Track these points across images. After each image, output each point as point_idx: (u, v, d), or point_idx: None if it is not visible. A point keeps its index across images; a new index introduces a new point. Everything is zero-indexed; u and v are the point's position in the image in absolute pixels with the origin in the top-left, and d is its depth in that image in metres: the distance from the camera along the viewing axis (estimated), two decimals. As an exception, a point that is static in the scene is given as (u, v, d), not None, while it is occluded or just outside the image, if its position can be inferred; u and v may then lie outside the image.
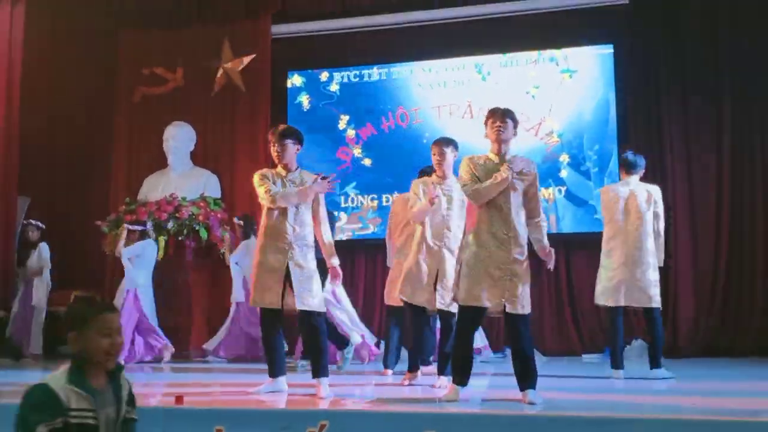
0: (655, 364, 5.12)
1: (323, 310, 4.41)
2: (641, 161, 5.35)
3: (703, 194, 7.03)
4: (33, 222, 7.44)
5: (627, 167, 5.34)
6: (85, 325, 2.20)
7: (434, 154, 4.92)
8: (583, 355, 6.76)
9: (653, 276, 5.19)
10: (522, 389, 3.89)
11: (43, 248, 7.20)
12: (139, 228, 7.03)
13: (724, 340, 6.76)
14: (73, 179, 8.47)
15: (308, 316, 4.27)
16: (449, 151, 4.92)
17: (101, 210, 7.65)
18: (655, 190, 5.31)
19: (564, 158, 7.39)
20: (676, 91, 7.19)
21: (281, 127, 4.62)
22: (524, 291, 3.97)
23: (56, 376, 2.17)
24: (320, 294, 4.39)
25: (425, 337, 5.00)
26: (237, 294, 6.78)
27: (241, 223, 7.01)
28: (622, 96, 7.32)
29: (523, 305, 3.95)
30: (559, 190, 7.38)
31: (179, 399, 3.77)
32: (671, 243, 7.01)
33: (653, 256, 5.22)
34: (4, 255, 7.32)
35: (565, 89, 7.48)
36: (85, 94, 8.41)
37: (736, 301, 6.84)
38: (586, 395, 4.49)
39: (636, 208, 5.21)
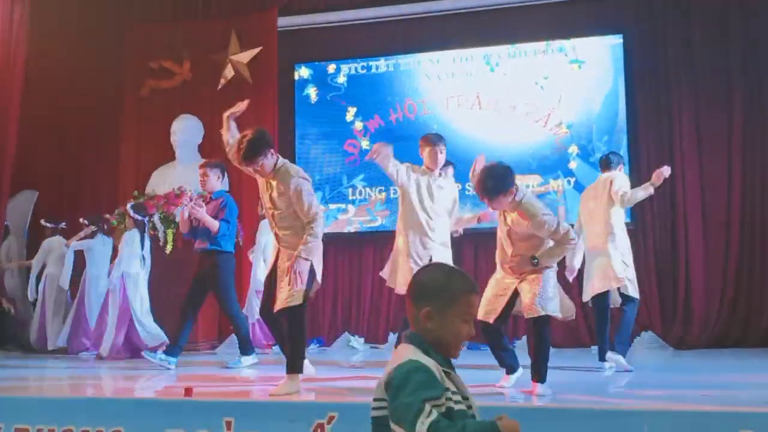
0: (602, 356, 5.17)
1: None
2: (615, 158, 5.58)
3: (714, 186, 6.97)
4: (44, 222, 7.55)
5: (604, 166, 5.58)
6: (453, 303, 1.80)
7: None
8: (592, 347, 6.73)
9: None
10: (533, 380, 3.98)
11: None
12: (92, 228, 7.29)
13: (735, 332, 6.72)
14: (82, 173, 8.49)
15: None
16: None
17: (110, 203, 7.66)
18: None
19: (573, 149, 7.35)
20: (686, 80, 7.13)
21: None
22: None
23: (410, 353, 1.78)
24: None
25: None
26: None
27: (86, 223, 7.21)
28: (631, 86, 7.27)
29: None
30: (568, 182, 7.34)
31: (188, 391, 3.78)
32: (684, 234, 6.98)
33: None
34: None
35: (574, 80, 7.43)
36: (94, 88, 8.41)
37: (747, 293, 6.80)
38: (595, 386, 4.47)
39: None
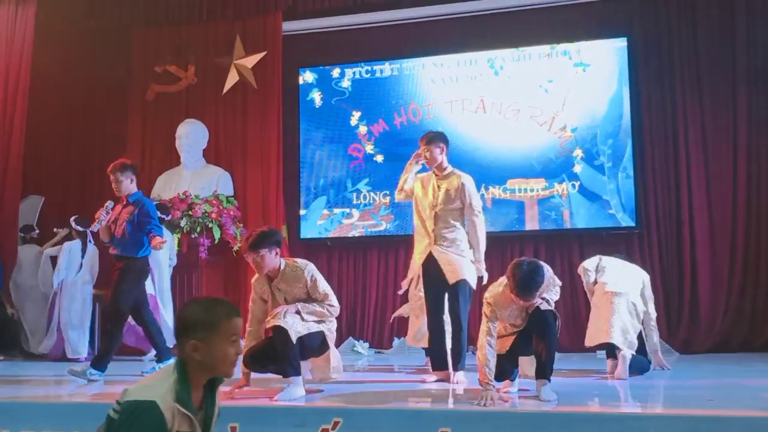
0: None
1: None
2: None
3: (720, 189, 6.95)
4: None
5: None
6: (215, 331, 1.95)
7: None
8: (597, 352, 6.70)
9: None
10: (537, 377, 3.97)
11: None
12: (64, 231, 7.39)
13: (741, 336, 6.70)
14: (87, 178, 8.51)
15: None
16: (434, 147, 4.96)
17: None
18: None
19: (578, 153, 7.34)
20: (691, 83, 7.11)
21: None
22: None
23: (163, 391, 1.91)
24: None
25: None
26: None
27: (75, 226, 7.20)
28: (636, 89, 7.25)
29: None
30: (573, 185, 7.32)
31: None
32: (689, 237, 6.96)
33: None
34: (8, 254, 7.33)
35: (578, 83, 7.42)
36: (99, 92, 8.45)
37: (753, 296, 6.77)
38: (600, 391, 4.46)
39: None
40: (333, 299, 4.40)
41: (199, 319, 1.96)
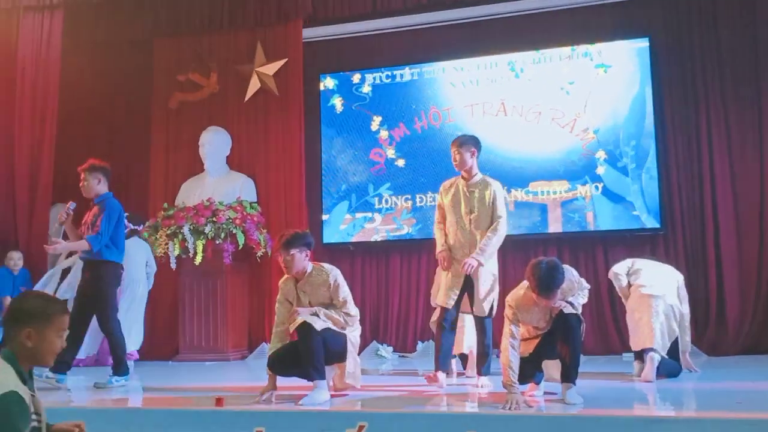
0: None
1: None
2: None
3: (746, 190, 6.86)
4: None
5: None
6: (47, 322, 2.13)
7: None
8: (623, 354, 6.65)
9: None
10: (562, 381, 3.96)
11: None
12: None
13: (770, 339, 6.60)
14: (112, 186, 8.60)
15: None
16: (464, 151, 4.89)
17: (141, 215, 7.75)
18: None
19: (600, 155, 7.30)
20: (715, 82, 7.04)
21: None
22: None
23: (12, 380, 2.05)
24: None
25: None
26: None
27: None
28: (659, 90, 7.19)
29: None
30: (596, 187, 7.28)
31: (220, 401, 3.81)
32: (714, 238, 6.88)
33: None
34: (40, 260, 7.44)
35: (600, 84, 7.38)
36: (124, 102, 8.58)
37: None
38: (627, 394, 4.42)
39: None
40: (351, 307, 4.42)
41: (37, 310, 2.14)
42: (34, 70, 7.66)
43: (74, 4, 7.71)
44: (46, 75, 7.64)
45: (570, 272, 4.13)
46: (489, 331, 4.80)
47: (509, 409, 3.65)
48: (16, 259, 7.31)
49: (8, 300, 6.81)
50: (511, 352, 3.90)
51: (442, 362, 4.79)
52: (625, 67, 7.33)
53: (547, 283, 3.84)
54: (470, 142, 4.93)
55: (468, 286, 4.78)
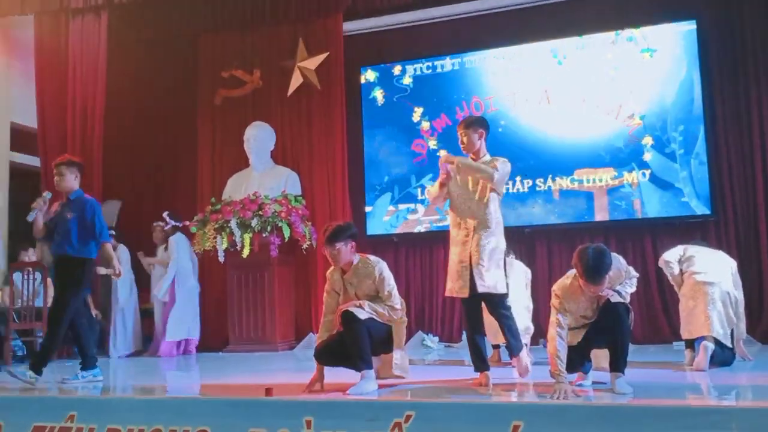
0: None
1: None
2: None
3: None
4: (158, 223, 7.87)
5: None
6: None
7: (459, 137, 4.67)
8: (674, 343, 6.54)
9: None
10: (611, 371, 3.90)
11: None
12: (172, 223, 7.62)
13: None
14: (161, 182, 8.83)
15: None
16: (472, 132, 4.58)
17: (189, 210, 7.94)
18: None
19: (647, 141, 7.16)
20: (765, 64, 6.84)
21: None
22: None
23: None
24: None
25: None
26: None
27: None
28: (707, 73, 7.02)
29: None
30: (643, 174, 7.15)
31: (269, 391, 3.88)
32: (766, 223, 6.70)
33: None
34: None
35: (645, 69, 7.24)
36: (169, 99, 8.75)
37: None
38: (678, 383, 4.36)
39: None
40: (396, 300, 4.43)
41: None
42: (83, 70, 7.86)
43: (120, 5, 7.88)
44: (94, 74, 7.83)
45: (618, 260, 4.07)
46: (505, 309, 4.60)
47: (557, 398, 3.63)
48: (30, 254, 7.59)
49: None
50: (558, 341, 3.87)
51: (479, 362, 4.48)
52: (671, 50, 7.17)
53: (595, 269, 3.79)
54: (477, 123, 4.65)
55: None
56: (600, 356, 4.15)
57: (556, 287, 4.06)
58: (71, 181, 5.17)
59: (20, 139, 8.21)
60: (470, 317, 4.57)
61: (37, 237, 5.25)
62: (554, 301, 4.01)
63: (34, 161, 8.21)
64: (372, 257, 4.52)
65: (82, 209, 5.10)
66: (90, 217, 5.09)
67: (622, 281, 4.14)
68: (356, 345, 4.19)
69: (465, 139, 4.62)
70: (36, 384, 4.83)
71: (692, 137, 7.01)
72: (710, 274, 5.00)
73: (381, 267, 4.43)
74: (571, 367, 3.99)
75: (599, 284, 3.85)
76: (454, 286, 4.54)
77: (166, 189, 8.76)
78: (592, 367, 4.23)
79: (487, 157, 4.63)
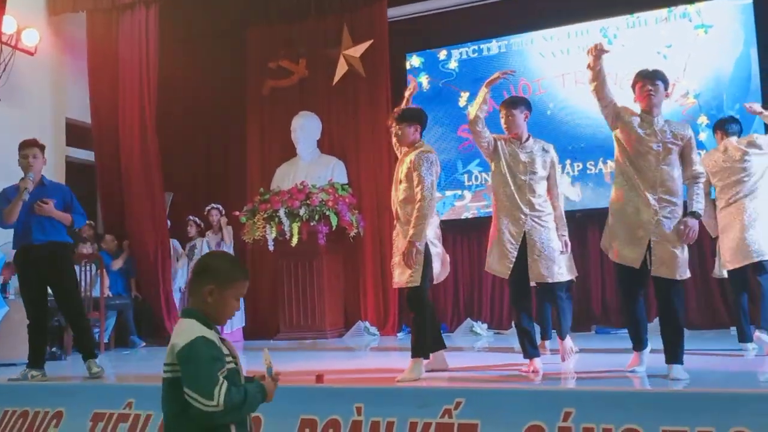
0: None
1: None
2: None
3: None
4: (191, 218, 8.04)
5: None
6: (228, 286, 2.18)
7: (501, 117, 4.60)
8: (731, 328, 6.35)
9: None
10: (667, 362, 3.79)
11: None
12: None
13: None
14: (212, 173, 8.97)
15: None
16: (518, 112, 4.53)
17: (239, 201, 8.05)
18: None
19: (702, 120, 6.94)
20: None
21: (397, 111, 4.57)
22: (675, 254, 3.83)
23: (197, 329, 2.10)
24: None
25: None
26: None
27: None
28: (764, 49, 6.75)
29: (672, 269, 3.82)
30: (698, 154, 6.91)
31: (320, 378, 3.92)
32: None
33: None
34: (162, 247, 7.80)
35: (700, 46, 7.00)
36: (218, 90, 8.86)
37: None
38: (733, 369, 4.23)
39: None
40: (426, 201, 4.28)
41: (223, 269, 2.20)
42: (134, 66, 8.01)
43: (168, 0, 7.99)
44: (146, 70, 7.97)
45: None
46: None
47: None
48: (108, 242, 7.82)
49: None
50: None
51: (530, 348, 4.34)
52: (727, 26, 6.91)
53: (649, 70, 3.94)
54: (522, 103, 4.62)
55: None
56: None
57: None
58: (42, 165, 4.96)
59: (75, 134, 8.45)
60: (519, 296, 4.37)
61: (6, 222, 4.79)
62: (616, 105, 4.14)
63: (89, 156, 8.45)
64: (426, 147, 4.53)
65: (60, 192, 4.97)
66: (70, 199, 4.97)
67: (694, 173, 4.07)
68: (418, 332, 4.20)
69: (511, 119, 4.55)
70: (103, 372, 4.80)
71: (749, 115, 6.73)
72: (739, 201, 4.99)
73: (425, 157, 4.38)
74: (639, 343, 3.98)
75: (655, 85, 3.97)
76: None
77: (218, 179, 8.89)
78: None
79: (531, 140, 4.56)
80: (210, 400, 1.99)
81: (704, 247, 6.68)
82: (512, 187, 4.38)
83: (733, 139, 5.18)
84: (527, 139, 4.53)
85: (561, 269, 4.45)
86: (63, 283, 4.89)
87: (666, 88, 4.13)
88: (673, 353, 3.78)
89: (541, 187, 4.44)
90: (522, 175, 4.39)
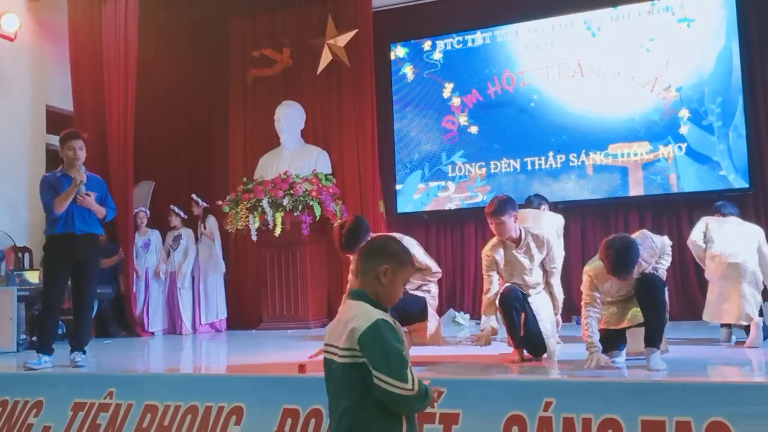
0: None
1: None
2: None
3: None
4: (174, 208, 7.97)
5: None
6: (401, 268, 2.14)
7: (491, 224, 4.35)
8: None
9: None
10: (646, 346, 3.86)
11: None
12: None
13: None
14: (194, 162, 8.90)
15: None
16: (507, 218, 4.27)
17: (221, 190, 8.00)
18: None
19: (684, 113, 7.00)
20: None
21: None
22: None
23: (375, 313, 2.04)
24: None
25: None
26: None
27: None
28: (746, 42, 6.82)
29: None
30: (679, 147, 7.00)
31: (302, 368, 3.92)
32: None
33: None
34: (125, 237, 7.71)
35: (682, 40, 7.06)
36: (201, 80, 8.78)
37: None
38: (713, 359, 4.29)
39: None
40: (433, 266, 4.58)
41: (399, 252, 2.18)
42: (116, 53, 7.89)
43: (150, -12, 7.89)
44: (126, 57, 7.87)
45: (650, 241, 3.99)
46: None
47: (591, 366, 3.63)
48: None
49: None
50: (590, 319, 3.86)
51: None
52: (709, 20, 6.97)
53: (622, 264, 3.69)
54: (507, 206, 4.30)
55: None
56: (638, 338, 4.08)
57: (588, 267, 4.02)
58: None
59: (56, 122, 8.34)
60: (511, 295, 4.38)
61: (57, 213, 4.75)
62: (586, 282, 3.98)
63: (70, 143, 8.33)
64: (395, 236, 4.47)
65: (99, 186, 5.00)
66: (105, 193, 5.02)
67: (657, 257, 4.07)
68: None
69: (501, 228, 4.29)
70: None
71: (731, 109, 6.83)
72: (734, 254, 4.92)
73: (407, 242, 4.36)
74: (609, 347, 3.96)
75: (627, 278, 3.81)
76: None
77: (200, 169, 8.82)
78: (626, 349, 4.17)
79: (525, 237, 4.39)
80: (405, 383, 1.93)
81: (683, 241, 6.75)
82: (511, 280, 4.43)
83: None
84: (524, 237, 4.38)
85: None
86: (91, 273, 4.93)
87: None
88: (652, 339, 3.83)
89: (537, 275, 4.46)
90: (521, 275, 4.41)
